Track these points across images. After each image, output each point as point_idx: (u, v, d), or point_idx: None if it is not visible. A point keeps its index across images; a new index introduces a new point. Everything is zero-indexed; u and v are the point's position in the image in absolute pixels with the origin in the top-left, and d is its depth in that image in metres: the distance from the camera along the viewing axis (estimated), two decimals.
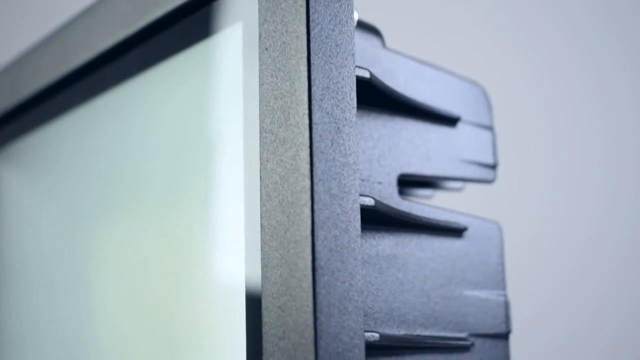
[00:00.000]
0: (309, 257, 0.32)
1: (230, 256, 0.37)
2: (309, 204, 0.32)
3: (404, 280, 0.39)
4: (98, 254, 0.45)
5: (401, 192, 0.39)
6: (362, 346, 0.33)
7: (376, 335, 0.35)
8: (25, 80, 0.52)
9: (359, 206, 0.34)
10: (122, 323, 0.43)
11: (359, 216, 0.34)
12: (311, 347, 0.32)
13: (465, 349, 0.40)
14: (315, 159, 0.33)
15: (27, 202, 0.52)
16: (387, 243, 0.38)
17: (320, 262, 0.32)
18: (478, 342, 0.41)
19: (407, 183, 0.43)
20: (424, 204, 0.40)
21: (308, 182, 0.33)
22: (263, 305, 0.34)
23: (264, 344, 0.33)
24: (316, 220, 0.32)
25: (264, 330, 0.33)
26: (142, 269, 0.42)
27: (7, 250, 0.53)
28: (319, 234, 0.32)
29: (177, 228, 0.40)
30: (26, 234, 0.52)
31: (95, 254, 0.46)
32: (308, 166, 0.33)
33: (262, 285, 0.34)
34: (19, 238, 0.52)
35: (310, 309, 0.32)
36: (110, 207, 0.45)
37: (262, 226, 0.34)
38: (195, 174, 0.39)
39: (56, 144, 0.50)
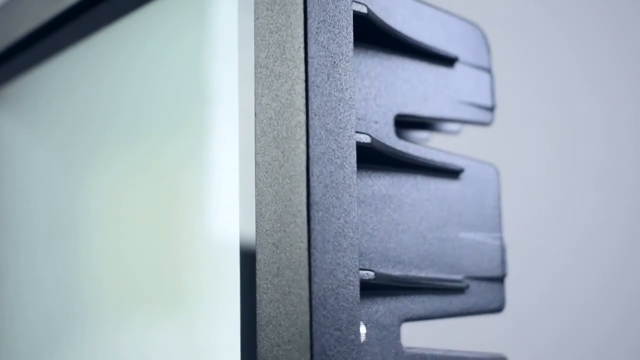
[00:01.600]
0: (304, 193, 0.32)
1: (224, 195, 0.36)
2: (304, 139, 0.32)
3: (400, 221, 0.38)
4: (90, 195, 0.45)
5: (398, 134, 0.39)
6: (357, 283, 0.33)
7: (371, 273, 0.35)
8: (18, 20, 0.51)
9: (355, 142, 0.33)
10: (115, 264, 0.42)
11: (354, 152, 0.33)
12: (305, 284, 0.31)
13: (460, 290, 0.40)
14: (310, 94, 0.32)
15: (19, 144, 0.52)
16: (383, 183, 0.38)
17: (315, 198, 0.32)
18: (473, 284, 0.40)
19: (404, 124, 0.42)
20: (420, 145, 0.39)
21: (303, 117, 0.32)
22: (257, 242, 0.33)
23: (258, 281, 0.33)
24: (311, 155, 0.32)
25: (257, 267, 0.33)
26: (134, 210, 0.42)
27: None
28: (314, 169, 0.32)
29: (170, 166, 0.39)
30: (19, 177, 0.51)
31: (87, 196, 0.45)
32: (303, 100, 0.32)
33: (256, 222, 0.33)
34: (11, 180, 0.52)
35: (304, 245, 0.32)
36: (104, 149, 0.45)
37: (256, 162, 0.33)
38: (189, 113, 0.39)
39: (50, 85, 0.49)
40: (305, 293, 0.31)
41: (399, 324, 0.37)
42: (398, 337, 0.37)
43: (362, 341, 0.34)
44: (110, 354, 0.41)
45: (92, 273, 0.44)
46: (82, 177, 0.46)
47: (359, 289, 0.32)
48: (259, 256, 0.33)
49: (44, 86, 0.50)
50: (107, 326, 0.42)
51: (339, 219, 0.32)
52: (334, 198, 0.32)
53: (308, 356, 0.31)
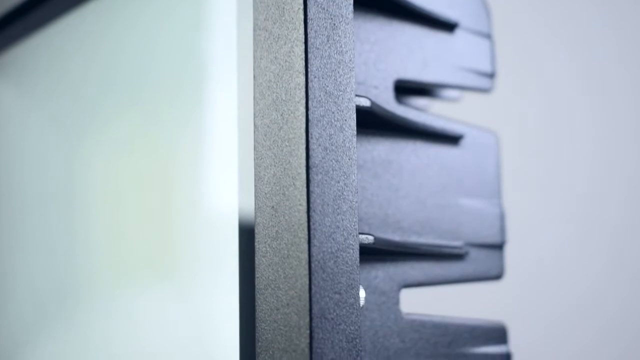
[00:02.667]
0: (303, 155, 0.31)
1: (222, 159, 0.36)
2: (303, 101, 0.32)
3: (399, 186, 0.38)
4: (87, 163, 0.45)
5: (397, 101, 0.39)
6: (357, 247, 0.32)
7: (371, 237, 0.34)
8: None
9: (354, 105, 0.33)
10: (112, 230, 0.42)
11: (354, 115, 0.33)
12: (304, 247, 0.31)
13: (459, 257, 0.40)
14: (310, 55, 0.32)
15: (16, 112, 0.51)
16: (382, 148, 0.38)
17: (315, 160, 0.31)
18: (473, 251, 0.40)
19: (404, 91, 0.42)
20: (420, 111, 0.39)
21: (303, 79, 0.32)
22: (255, 206, 0.33)
23: (256, 245, 0.33)
24: (311, 117, 0.32)
25: (256, 231, 0.33)
26: (131, 175, 0.41)
27: None
28: (314, 131, 0.32)
29: (168, 131, 0.39)
30: (15, 144, 0.51)
31: (83, 163, 0.45)
32: (303, 63, 0.32)
33: (254, 186, 0.33)
34: (7, 148, 0.51)
35: (304, 207, 0.31)
36: (101, 116, 0.44)
37: (255, 126, 0.33)
38: (187, 77, 0.39)
39: (48, 52, 0.49)
40: (305, 256, 0.31)
41: (398, 290, 0.37)
42: (397, 302, 0.37)
43: (361, 305, 0.34)
44: (108, 321, 0.41)
45: (88, 240, 0.44)
46: (78, 144, 0.45)
47: (358, 252, 0.32)
48: (257, 220, 0.33)
49: (41, 54, 0.49)
50: (105, 294, 0.42)
51: (338, 181, 0.32)
52: (333, 161, 0.32)
53: (307, 319, 0.31)
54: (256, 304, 0.32)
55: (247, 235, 0.33)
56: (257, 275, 0.32)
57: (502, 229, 0.42)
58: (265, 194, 0.33)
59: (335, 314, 0.31)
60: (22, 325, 0.47)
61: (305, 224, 0.31)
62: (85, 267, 0.43)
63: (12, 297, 0.47)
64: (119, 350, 0.40)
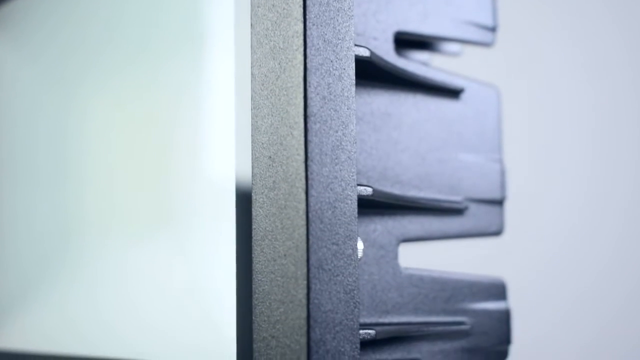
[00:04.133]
0: (301, 105, 0.31)
1: (219, 110, 0.35)
2: (301, 49, 0.31)
3: (399, 139, 0.37)
4: (83, 117, 0.44)
5: (397, 54, 0.38)
6: (355, 198, 0.32)
7: (369, 189, 0.34)
8: None
9: (353, 54, 0.32)
10: (110, 183, 0.42)
11: (353, 65, 0.32)
12: (302, 197, 0.31)
13: (459, 212, 0.39)
14: (308, 2, 0.31)
15: (12, 65, 0.51)
16: (382, 101, 0.37)
17: (313, 110, 0.31)
18: (473, 206, 0.40)
19: (404, 44, 0.41)
20: (420, 64, 0.39)
21: (301, 27, 0.31)
22: (253, 156, 0.32)
23: (254, 196, 0.32)
24: (309, 66, 0.31)
25: (253, 181, 0.32)
26: (128, 128, 0.41)
27: None
28: (312, 80, 0.31)
29: (166, 81, 0.38)
30: (10, 98, 0.50)
31: (80, 117, 0.44)
32: (301, 10, 0.31)
33: (252, 136, 0.33)
34: (2, 101, 0.51)
35: (301, 157, 0.31)
36: (99, 71, 0.44)
37: (252, 75, 0.33)
38: (185, 26, 0.38)
39: (45, 5, 0.48)
40: (302, 206, 0.31)
41: (397, 244, 0.37)
42: (396, 257, 0.37)
43: (359, 257, 0.33)
44: (105, 274, 0.41)
45: (85, 194, 0.43)
46: (75, 98, 0.45)
47: (356, 203, 0.32)
48: (254, 170, 0.32)
49: (38, 8, 0.48)
50: (97, 245, 0.42)
51: (336, 131, 0.32)
52: (331, 110, 0.31)
53: (304, 270, 0.30)
54: (253, 255, 0.32)
55: (244, 186, 0.33)
56: (254, 227, 0.32)
57: (503, 185, 0.41)
58: (263, 144, 0.32)
59: (333, 264, 0.31)
60: (14, 278, 0.46)
61: (303, 174, 0.31)
62: (84, 219, 0.43)
63: (9, 246, 0.47)
64: (111, 301, 0.40)
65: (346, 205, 0.32)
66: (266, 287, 0.31)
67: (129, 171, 0.40)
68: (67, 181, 0.44)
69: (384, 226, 0.36)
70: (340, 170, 0.32)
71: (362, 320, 0.35)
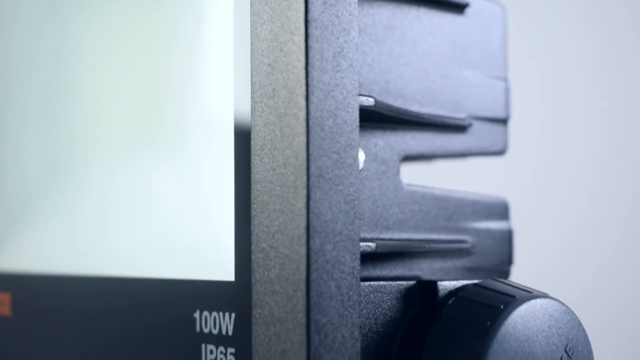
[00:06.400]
0: (302, 9, 0.30)
1: (217, 17, 0.34)
2: None
3: (401, 53, 0.37)
4: (81, 39, 0.43)
5: None
6: (356, 107, 0.31)
7: (371, 99, 0.33)
8: None
9: None
10: (106, 106, 0.41)
11: None
12: (302, 104, 0.30)
13: (462, 129, 0.38)
14: None
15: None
16: (384, 13, 0.36)
17: (314, 14, 0.30)
18: (476, 124, 0.39)
19: None
20: None
21: None
22: (251, 64, 0.32)
23: (252, 105, 0.31)
24: None
25: (252, 90, 0.32)
26: (127, 46, 0.40)
27: None
28: None
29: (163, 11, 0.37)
30: (5, 23, 0.49)
31: (77, 40, 0.43)
32: None
33: (251, 44, 0.32)
34: None
35: (302, 64, 0.30)
36: None
37: None
38: None
39: None
40: (302, 113, 0.30)
41: (399, 160, 0.36)
42: (397, 172, 0.36)
43: (360, 168, 0.33)
44: (103, 196, 0.40)
45: (81, 115, 0.42)
46: (70, 24, 0.44)
47: (358, 112, 0.31)
48: (253, 78, 0.31)
49: None
50: (100, 170, 0.41)
51: (338, 37, 0.31)
52: (333, 15, 0.31)
53: (304, 179, 0.30)
54: (252, 165, 0.31)
55: (242, 95, 0.32)
56: (252, 136, 0.31)
57: (507, 103, 0.40)
58: (262, 51, 0.31)
59: (333, 174, 0.30)
60: (22, 196, 0.46)
61: (304, 81, 0.30)
62: (82, 141, 0.42)
63: (12, 170, 0.46)
64: (109, 218, 0.39)
65: (347, 114, 0.31)
66: (265, 197, 0.31)
67: (127, 97, 0.39)
68: (62, 103, 0.44)
69: (386, 141, 0.36)
70: (342, 78, 0.31)
71: (363, 235, 0.34)
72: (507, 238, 0.40)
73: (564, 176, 0.78)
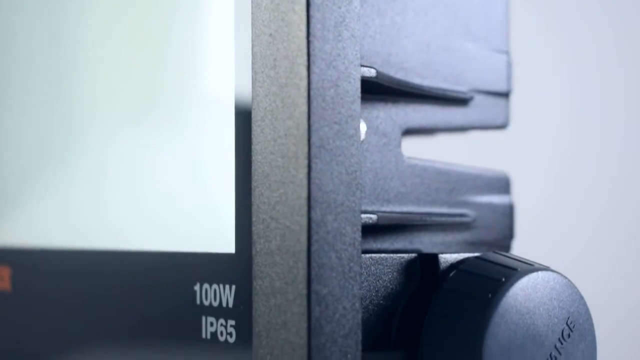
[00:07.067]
0: None
1: None
2: None
3: (403, 25, 0.36)
4: (79, 16, 0.43)
5: None
6: (358, 77, 0.31)
7: (372, 70, 0.33)
8: None
9: None
10: (106, 74, 0.40)
11: None
12: (304, 74, 0.30)
13: (464, 102, 0.38)
14: None
15: None
16: None
17: None
18: (478, 97, 0.39)
19: None
20: None
21: None
22: (252, 34, 0.31)
23: (253, 75, 0.31)
24: None
25: (253, 60, 0.31)
26: (127, 17, 0.40)
27: None
28: None
29: None
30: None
31: (75, 15, 0.43)
32: None
33: (252, 14, 0.31)
34: None
35: (303, 33, 0.30)
36: None
37: None
38: None
39: None
40: (304, 83, 0.30)
41: (400, 133, 0.36)
42: (399, 145, 0.36)
43: (361, 139, 0.32)
44: (102, 169, 0.40)
45: (82, 89, 0.42)
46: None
47: (359, 83, 0.31)
48: (254, 49, 0.31)
49: None
50: (99, 142, 0.41)
51: (340, 7, 0.30)
52: None
53: (305, 149, 0.29)
54: (252, 136, 0.31)
55: (243, 65, 0.32)
56: (253, 107, 0.31)
57: (509, 77, 0.40)
58: (263, 21, 0.31)
59: (334, 144, 0.30)
60: (19, 168, 0.46)
61: (305, 51, 0.30)
62: (81, 110, 0.42)
63: (8, 141, 0.46)
64: (108, 191, 0.39)
65: (349, 84, 0.31)
66: (266, 168, 0.31)
67: (128, 63, 0.39)
68: (59, 78, 0.43)
69: (387, 113, 0.36)
70: (344, 48, 0.30)
71: (364, 207, 0.34)
72: (508, 212, 0.40)
73: (565, 150, 0.78)
